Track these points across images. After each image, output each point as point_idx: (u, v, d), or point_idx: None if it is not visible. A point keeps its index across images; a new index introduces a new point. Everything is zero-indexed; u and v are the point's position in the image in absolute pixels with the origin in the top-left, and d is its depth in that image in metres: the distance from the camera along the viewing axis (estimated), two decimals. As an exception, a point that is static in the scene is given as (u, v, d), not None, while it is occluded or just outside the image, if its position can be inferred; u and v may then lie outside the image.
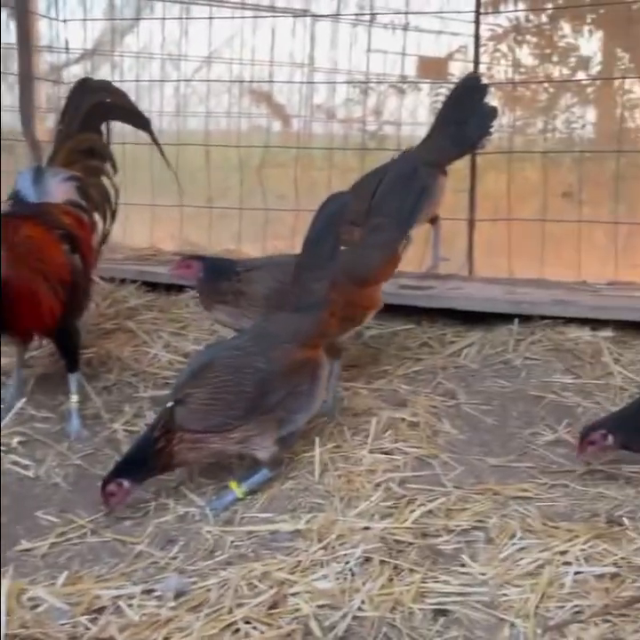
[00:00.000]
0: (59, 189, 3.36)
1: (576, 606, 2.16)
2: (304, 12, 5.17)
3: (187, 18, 4.97)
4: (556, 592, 2.22)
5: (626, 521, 2.51)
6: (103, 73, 5.22)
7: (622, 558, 2.32)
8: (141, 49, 5.09)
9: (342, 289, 3.13)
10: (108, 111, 3.73)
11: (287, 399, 2.90)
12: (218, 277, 3.39)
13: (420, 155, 4.15)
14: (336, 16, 5.36)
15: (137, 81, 5.06)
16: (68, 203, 3.37)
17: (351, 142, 5.73)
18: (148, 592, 2.35)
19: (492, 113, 4.34)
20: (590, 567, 2.30)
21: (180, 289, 4.45)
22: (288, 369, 2.89)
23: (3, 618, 2.18)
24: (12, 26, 5.07)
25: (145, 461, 2.82)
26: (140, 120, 3.83)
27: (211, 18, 4.88)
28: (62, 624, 2.22)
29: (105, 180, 3.69)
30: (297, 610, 2.21)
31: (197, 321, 4.20)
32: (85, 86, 3.67)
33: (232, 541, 2.64)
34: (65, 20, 5.04)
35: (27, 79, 4.98)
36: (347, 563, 2.37)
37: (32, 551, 2.68)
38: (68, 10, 5.07)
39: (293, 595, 2.27)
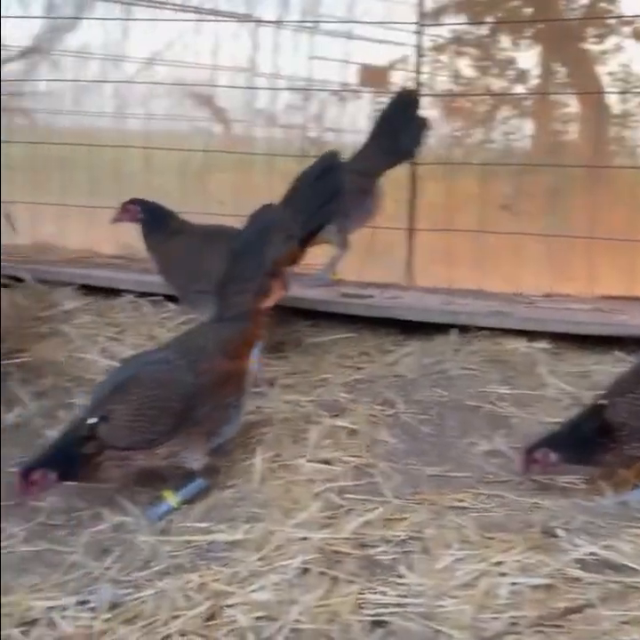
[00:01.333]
0: None
1: (511, 617, 2.18)
2: (247, 17, 5.15)
3: (128, 19, 4.91)
4: (491, 603, 2.24)
5: (560, 532, 2.54)
6: (42, 72, 5.12)
7: (557, 569, 2.34)
8: (81, 48, 5.01)
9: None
10: None
11: (214, 412, 2.87)
12: (152, 226, 3.70)
13: (354, 164, 4.26)
14: (279, 22, 5.35)
15: (76, 81, 4.99)
16: None
17: (292, 148, 5.72)
18: (82, 603, 2.31)
19: (424, 124, 4.49)
20: (526, 578, 2.32)
21: (117, 293, 4.39)
22: (215, 381, 2.86)
23: None
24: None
25: (71, 460, 2.73)
26: None
27: (153, 20, 4.84)
28: (-9, 637, 2.17)
29: None
30: (234, 622, 2.19)
31: (135, 326, 4.14)
32: None
33: (168, 551, 2.61)
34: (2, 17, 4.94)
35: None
36: (284, 574, 2.36)
37: (-39, 561, 2.62)
38: (5, 6, 4.96)
39: (230, 606, 2.25)
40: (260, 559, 2.45)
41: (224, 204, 5.04)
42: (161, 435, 2.76)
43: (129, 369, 2.91)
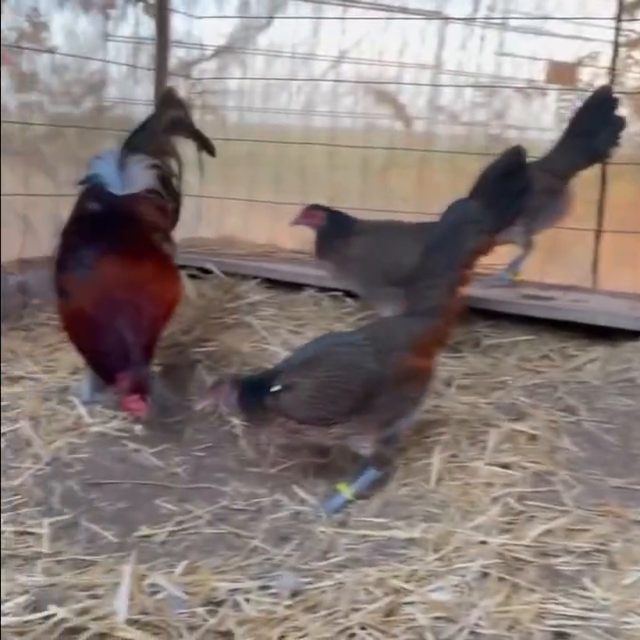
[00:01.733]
0: (141, 177, 3.33)
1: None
2: (436, 14, 5.13)
3: (318, 17, 4.99)
4: (681, 624, 2.15)
5: None
6: (233, 70, 5.30)
7: None
8: (272, 47, 5.14)
9: None
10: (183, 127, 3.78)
11: (393, 403, 2.87)
12: (334, 232, 3.68)
13: (545, 163, 4.17)
14: (467, 19, 5.29)
15: (265, 79, 5.13)
16: (149, 190, 3.34)
17: (474, 146, 5.65)
18: (264, 588, 2.37)
19: (621, 124, 4.34)
20: None
21: (299, 287, 4.49)
22: (400, 375, 2.86)
23: (124, 602, 2.24)
24: (145, 21, 5.20)
25: (250, 405, 2.85)
26: (208, 145, 3.87)
27: (342, 18, 4.90)
28: (180, 613, 2.25)
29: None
30: (412, 620, 2.19)
31: (315, 320, 4.22)
32: (168, 98, 3.72)
33: (346, 544, 2.65)
34: (200, 17, 5.14)
35: (161, 74, 5.10)
36: (463, 576, 2.34)
37: (151, 537, 2.75)
38: (203, 6, 5.16)
39: (408, 604, 2.25)
40: (438, 559, 2.44)
41: (406, 201, 5.05)
42: (337, 415, 2.79)
43: (320, 346, 2.97)
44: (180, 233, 5.12)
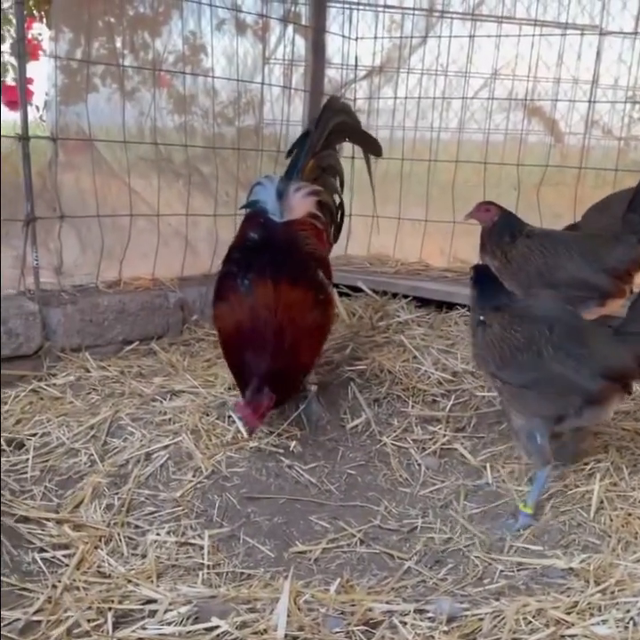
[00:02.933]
0: (301, 204, 3.38)
1: None
2: (593, 29, 5.01)
3: (472, 36, 4.97)
4: None
5: None
6: (387, 90, 5.34)
7: None
8: (425, 66, 5.15)
9: None
10: (348, 132, 3.84)
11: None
12: (503, 230, 3.67)
13: None
14: (625, 33, 5.14)
15: (419, 97, 5.14)
16: (308, 216, 3.39)
17: (629, 161, 5.48)
18: (420, 612, 2.36)
19: None
20: None
21: (449, 307, 4.46)
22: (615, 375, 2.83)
23: (284, 618, 2.28)
24: (299, 42, 5.30)
25: None
26: (375, 146, 3.94)
27: (498, 36, 4.86)
28: (336, 632, 2.28)
29: (333, 197, 3.75)
30: (575, 653, 2.15)
31: (466, 339, 4.18)
32: (332, 106, 3.75)
33: (501, 571, 2.62)
34: (357, 39, 5.20)
35: (317, 94, 5.18)
36: (628, 611, 2.26)
37: (305, 554, 2.80)
38: (356, 27, 5.22)
39: (570, 637, 2.20)
40: (599, 591, 2.36)
41: (561, 216, 4.94)
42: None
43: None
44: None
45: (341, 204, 3.83)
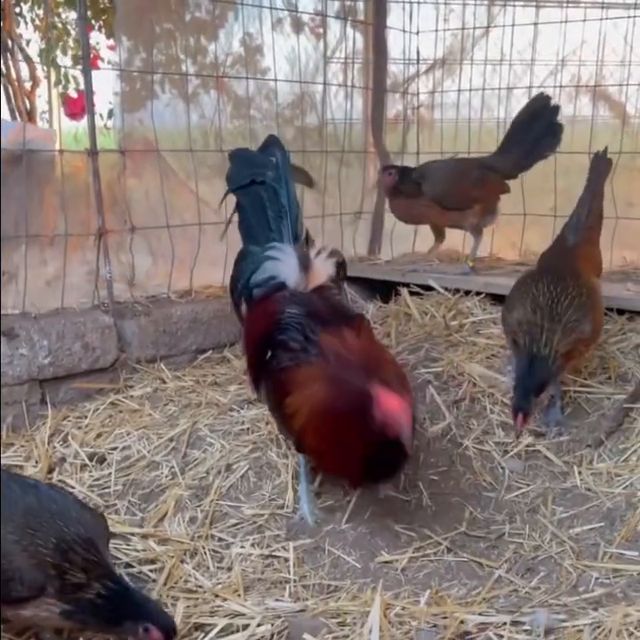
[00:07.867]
0: (324, 268, 3.23)
1: None
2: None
3: (536, 23, 4.84)
4: None
5: None
6: (449, 83, 5.23)
7: None
8: (489, 56, 5.04)
9: None
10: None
11: None
12: (403, 180, 4.38)
13: None
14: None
15: (483, 89, 5.03)
16: (329, 279, 3.23)
17: None
18: (516, 623, 2.30)
19: None
20: None
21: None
22: None
23: (376, 634, 2.24)
24: (358, 38, 5.24)
25: None
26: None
27: (562, 22, 4.72)
28: (430, 646, 2.24)
29: None
30: (682, 667, 2.06)
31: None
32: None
33: (596, 578, 2.54)
34: (417, 32, 5.12)
35: (379, 91, 5.12)
36: None
37: (392, 563, 2.75)
38: (417, 21, 5.13)
39: (677, 650, 2.12)
40: None
41: (633, 205, 4.81)
42: None
43: None
44: (397, 249, 5.17)
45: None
